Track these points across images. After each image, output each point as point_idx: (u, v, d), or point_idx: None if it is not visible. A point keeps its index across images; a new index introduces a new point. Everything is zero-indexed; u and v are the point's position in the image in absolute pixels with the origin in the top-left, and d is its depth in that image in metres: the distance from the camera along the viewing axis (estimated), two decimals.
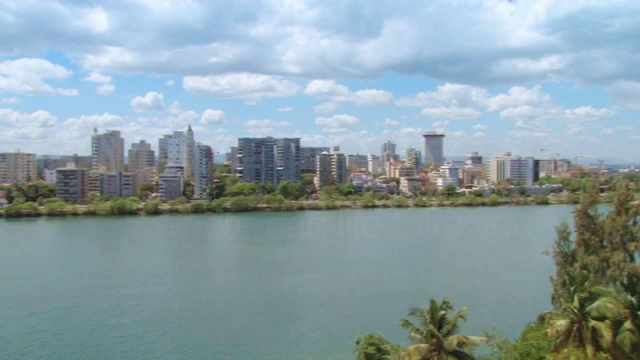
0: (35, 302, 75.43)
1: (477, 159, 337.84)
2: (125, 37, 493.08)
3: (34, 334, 61.66)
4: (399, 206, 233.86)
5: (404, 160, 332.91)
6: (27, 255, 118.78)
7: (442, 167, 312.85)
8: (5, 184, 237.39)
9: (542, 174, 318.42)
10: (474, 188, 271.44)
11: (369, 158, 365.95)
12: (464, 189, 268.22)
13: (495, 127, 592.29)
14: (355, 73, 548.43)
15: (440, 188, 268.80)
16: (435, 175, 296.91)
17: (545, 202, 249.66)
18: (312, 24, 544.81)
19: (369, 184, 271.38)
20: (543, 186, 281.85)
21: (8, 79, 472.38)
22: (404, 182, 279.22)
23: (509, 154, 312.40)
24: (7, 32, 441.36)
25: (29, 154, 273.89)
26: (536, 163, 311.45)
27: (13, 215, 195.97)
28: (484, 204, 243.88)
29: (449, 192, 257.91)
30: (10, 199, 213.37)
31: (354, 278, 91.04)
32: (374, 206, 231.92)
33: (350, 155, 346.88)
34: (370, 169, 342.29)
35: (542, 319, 33.81)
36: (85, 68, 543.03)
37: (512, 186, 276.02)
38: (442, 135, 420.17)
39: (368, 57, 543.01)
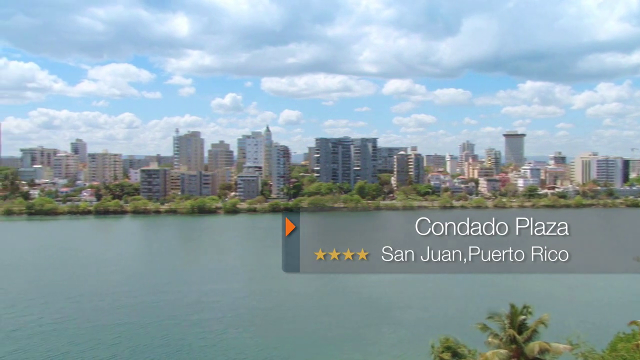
0: (123, 296, 79.06)
1: (560, 159, 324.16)
2: (205, 41, 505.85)
3: (121, 325, 64.60)
4: (478, 207, 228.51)
5: (483, 160, 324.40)
6: (115, 251, 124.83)
7: (523, 167, 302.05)
8: (95, 183, 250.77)
9: (632, 175, 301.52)
10: (557, 189, 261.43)
11: (447, 158, 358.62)
12: (546, 190, 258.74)
13: (581, 126, 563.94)
14: (432, 72, 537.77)
15: (521, 189, 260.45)
16: (516, 175, 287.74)
17: (635, 205, 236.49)
18: (389, 23, 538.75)
19: (447, 184, 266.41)
20: (633, 188, 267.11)
21: (98, 83, 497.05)
22: (482, 182, 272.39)
23: (595, 154, 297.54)
24: (97, 39, 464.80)
25: (115, 154, 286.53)
26: (626, 163, 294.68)
27: (101, 212, 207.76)
28: (567, 206, 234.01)
29: (530, 193, 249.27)
30: (98, 197, 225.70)
31: (431, 277, 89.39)
32: (452, 207, 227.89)
33: (428, 155, 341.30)
34: (448, 169, 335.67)
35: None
36: (167, 71, 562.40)
37: (598, 187, 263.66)
38: (523, 135, 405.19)
39: (446, 55, 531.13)
